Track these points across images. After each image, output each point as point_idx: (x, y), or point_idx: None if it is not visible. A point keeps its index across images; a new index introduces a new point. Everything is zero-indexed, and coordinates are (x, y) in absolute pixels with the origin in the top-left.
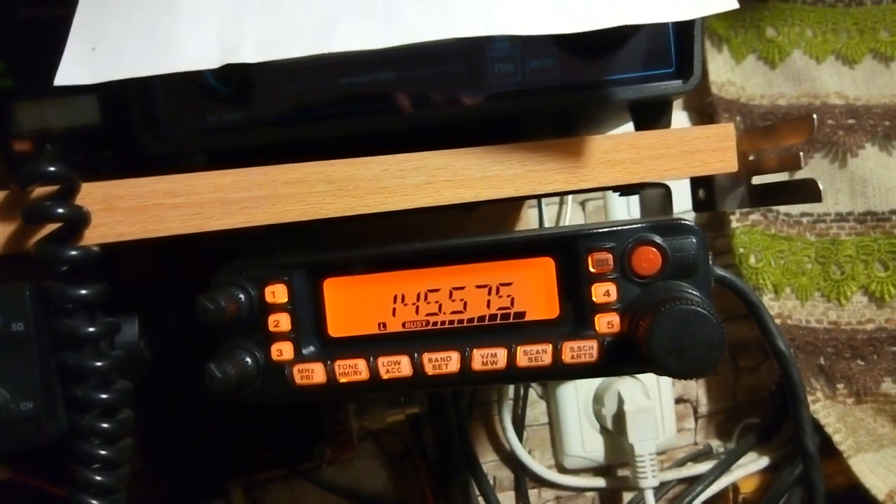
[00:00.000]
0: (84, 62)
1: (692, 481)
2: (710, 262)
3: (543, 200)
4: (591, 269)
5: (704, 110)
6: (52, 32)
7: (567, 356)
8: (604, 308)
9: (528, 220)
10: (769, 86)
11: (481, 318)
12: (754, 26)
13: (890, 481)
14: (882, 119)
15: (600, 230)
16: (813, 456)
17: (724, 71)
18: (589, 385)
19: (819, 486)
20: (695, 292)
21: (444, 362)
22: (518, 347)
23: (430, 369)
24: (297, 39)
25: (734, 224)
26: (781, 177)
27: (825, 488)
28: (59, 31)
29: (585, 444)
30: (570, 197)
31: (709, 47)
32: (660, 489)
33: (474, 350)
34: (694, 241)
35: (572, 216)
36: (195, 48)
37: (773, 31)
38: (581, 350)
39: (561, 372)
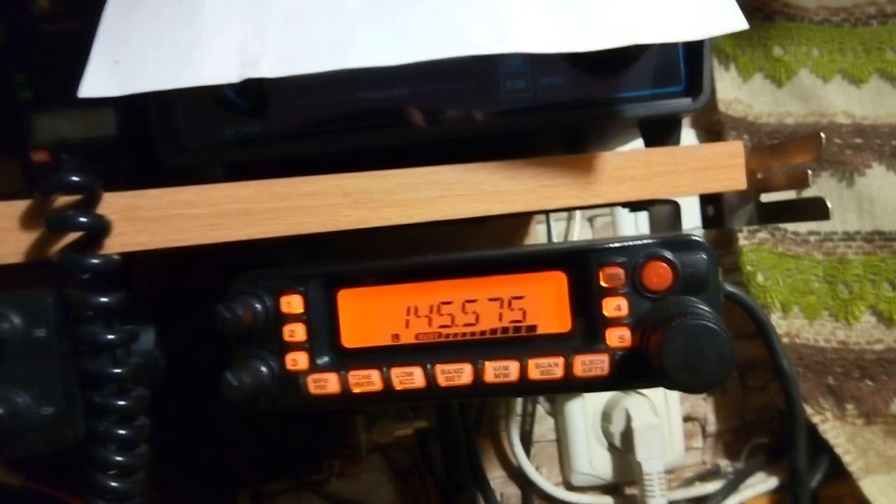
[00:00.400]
0: (108, 75)
1: (700, 501)
2: (720, 278)
3: (552, 216)
4: (603, 284)
5: (712, 128)
6: (72, 46)
7: (578, 370)
8: (615, 322)
9: (537, 236)
10: (776, 104)
11: (493, 331)
12: (761, 45)
13: None
14: (889, 138)
15: (612, 245)
16: (802, 476)
17: (732, 89)
18: (597, 402)
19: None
20: (705, 308)
21: (457, 374)
22: (530, 360)
23: (442, 381)
24: (315, 55)
25: (742, 242)
26: (789, 195)
27: None
28: (77, 44)
29: (593, 461)
30: (578, 213)
31: (716, 65)
32: None
33: (486, 362)
34: (704, 257)
35: (581, 232)
36: (216, 62)
37: (779, 50)
38: (592, 364)
39: (572, 385)
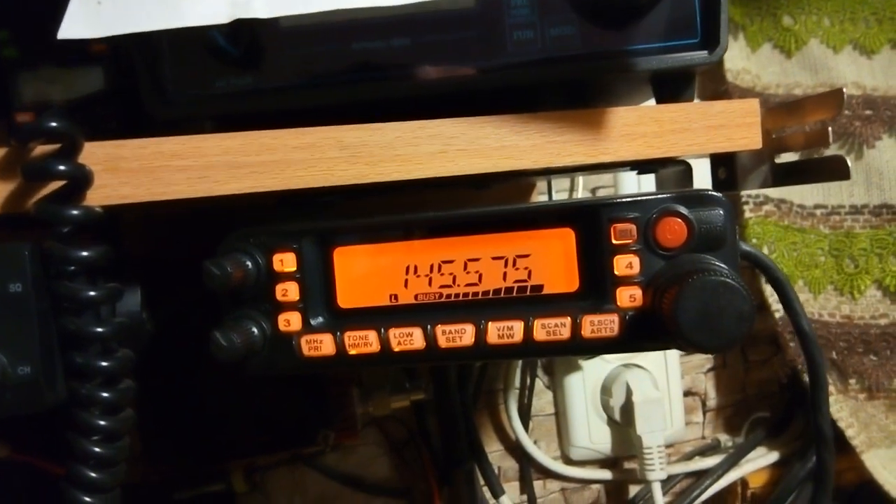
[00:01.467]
0: (88, 16)
1: (700, 475)
2: (738, 235)
3: (553, 188)
4: (614, 241)
5: (719, 99)
6: (57, 1)
7: (587, 330)
8: (626, 281)
9: None
10: (785, 75)
11: (497, 291)
12: (770, 14)
13: None
14: None
15: (624, 200)
16: (828, 439)
17: (740, 59)
18: (597, 375)
19: (830, 471)
20: (722, 265)
21: (459, 335)
22: (535, 320)
23: (443, 342)
24: None
25: (747, 214)
26: (803, 159)
27: (838, 483)
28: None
29: (592, 435)
30: (580, 184)
31: None
32: (667, 483)
33: (490, 323)
34: (721, 212)
35: None
36: (205, 3)
37: (789, 20)
38: (601, 324)
39: (580, 347)
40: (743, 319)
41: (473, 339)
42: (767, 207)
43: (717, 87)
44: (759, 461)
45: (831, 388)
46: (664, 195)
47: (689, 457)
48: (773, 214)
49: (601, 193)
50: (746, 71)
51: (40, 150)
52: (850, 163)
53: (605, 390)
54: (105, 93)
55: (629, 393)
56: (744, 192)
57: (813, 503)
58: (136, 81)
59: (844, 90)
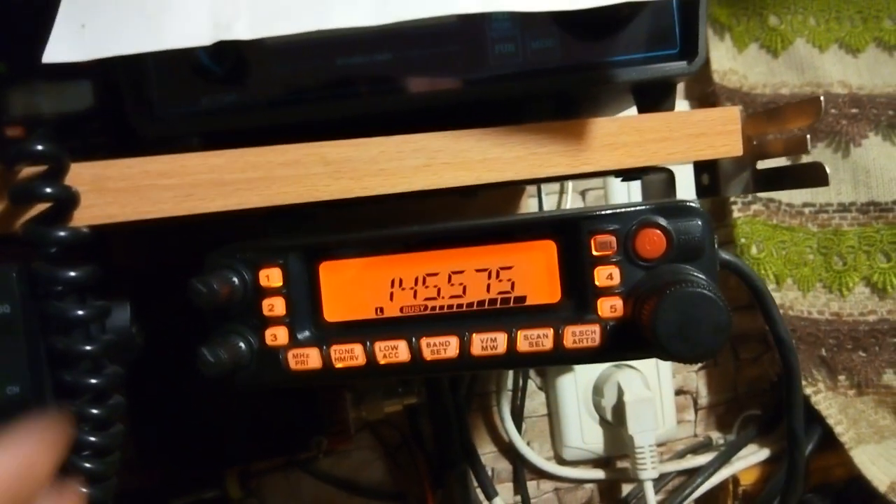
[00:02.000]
0: (73, 39)
1: (692, 473)
2: (716, 245)
3: (543, 190)
4: (594, 252)
5: (706, 99)
6: (46, 17)
7: (569, 341)
8: (607, 292)
9: (528, 210)
10: (772, 74)
11: (481, 303)
12: (757, 14)
13: (891, 473)
14: (886, 108)
15: (603, 212)
16: (800, 440)
17: (727, 59)
18: (588, 376)
19: (800, 470)
20: (701, 276)
21: (443, 347)
22: (518, 332)
23: (428, 354)
24: (292, 16)
25: (736, 214)
26: (784, 164)
27: (827, 479)
28: (52, 15)
29: (585, 435)
30: (570, 186)
31: (711, 35)
32: (659, 481)
33: (473, 335)
34: (699, 223)
35: (573, 206)
36: (188, 25)
37: (775, 20)
38: (583, 335)
39: (562, 357)
40: (720, 330)
41: (458, 352)
42: (756, 207)
43: (704, 88)
44: (750, 458)
45: (820, 385)
46: (643, 207)
47: (680, 455)
48: (761, 213)
49: (590, 195)
50: (733, 71)
51: (27, 172)
52: (837, 161)
53: (597, 391)
54: (94, 109)
55: (621, 393)
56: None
57: (783, 497)
58: (122, 99)
59: (830, 90)
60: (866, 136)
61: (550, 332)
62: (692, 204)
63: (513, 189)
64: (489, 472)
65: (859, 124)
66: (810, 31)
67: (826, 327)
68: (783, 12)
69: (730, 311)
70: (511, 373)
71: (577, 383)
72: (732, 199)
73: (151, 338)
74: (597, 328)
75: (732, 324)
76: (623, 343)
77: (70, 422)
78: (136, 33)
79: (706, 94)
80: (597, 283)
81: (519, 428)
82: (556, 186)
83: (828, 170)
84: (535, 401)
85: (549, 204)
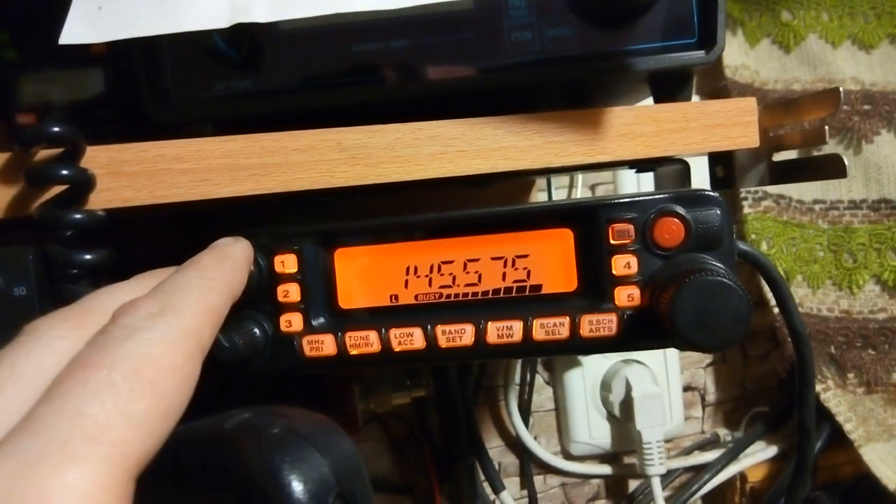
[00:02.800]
0: (90, 21)
1: (699, 470)
2: (734, 235)
3: (553, 185)
4: (612, 241)
5: (717, 94)
6: (57, 4)
7: (585, 330)
8: (624, 281)
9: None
10: (784, 70)
11: (496, 291)
12: (769, 10)
13: None
14: None
15: (622, 200)
16: (810, 433)
17: (739, 55)
18: (596, 371)
19: (809, 462)
20: (719, 264)
21: (458, 335)
22: (534, 320)
23: (443, 342)
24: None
25: (746, 210)
26: (800, 157)
27: (835, 478)
28: (63, 2)
29: (592, 430)
30: (580, 180)
31: None
32: (666, 477)
33: (489, 323)
34: (718, 212)
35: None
36: (205, 7)
37: (788, 15)
38: (600, 324)
39: (579, 346)
40: (739, 319)
41: (473, 339)
42: (766, 203)
43: (716, 83)
44: (758, 455)
45: (830, 383)
46: (661, 195)
47: (688, 451)
48: (772, 210)
49: (599, 189)
50: (745, 67)
51: (43, 154)
52: (848, 158)
53: (605, 386)
54: (106, 95)
55: (629, 388)
56: (742, 189)
57: (790, 489)
58: (136, 84)
59: (842, 87)
60: (878, 132)
61: (567, 320)
62: (711, 193)
63: (523, 181)
64: (496, 466)
65: (871, 121)
66: (823, 26)
67: (836, 325)
68: (796, 7)
69: (750, 301)
70: (519, 367)
71: (584, 378)
72: (743, 195)
73: None
74: (614, 317)
75: (752, 313)
76: (640, 333)
77: None
78: (153, 15)
79: (718, 90)
80: (614, 271)
81: (526, 422)
82: (565, 181)
83: (846, 161)
84: (542, 395)
85: (559, 198)
